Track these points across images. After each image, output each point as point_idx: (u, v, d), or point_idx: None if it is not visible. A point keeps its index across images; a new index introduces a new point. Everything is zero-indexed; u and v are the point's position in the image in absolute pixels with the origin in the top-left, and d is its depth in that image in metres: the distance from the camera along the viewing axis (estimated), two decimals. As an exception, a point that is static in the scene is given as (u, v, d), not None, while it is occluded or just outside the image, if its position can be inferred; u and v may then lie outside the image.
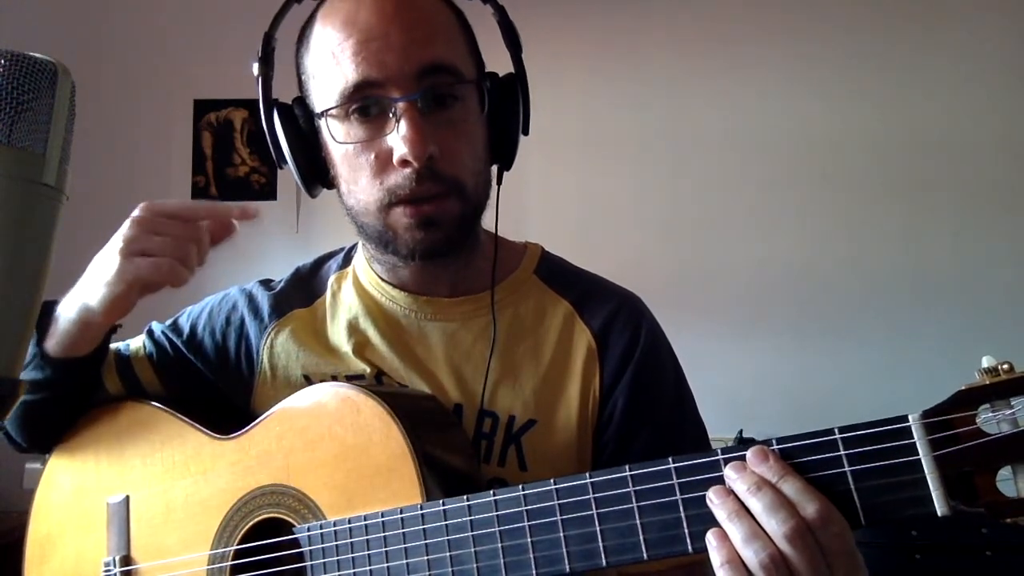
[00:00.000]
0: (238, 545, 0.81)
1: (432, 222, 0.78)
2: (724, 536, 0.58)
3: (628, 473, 0.62)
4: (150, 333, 0.98)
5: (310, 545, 0.75)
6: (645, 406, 0.84)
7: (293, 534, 0.77)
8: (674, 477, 0.61)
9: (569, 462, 0.83)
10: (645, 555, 0.61)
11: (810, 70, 2.47)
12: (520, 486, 0.66)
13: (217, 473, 0.84)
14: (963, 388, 0.55)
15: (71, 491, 0.93)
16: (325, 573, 0.74)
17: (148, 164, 2.60)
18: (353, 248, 0.98)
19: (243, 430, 0.84)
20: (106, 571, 0.87)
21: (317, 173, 0.84)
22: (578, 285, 0.91)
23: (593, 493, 0.63)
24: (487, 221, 0.90)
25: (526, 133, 0.86)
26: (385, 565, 0.71)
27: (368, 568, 0.72)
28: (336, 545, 0.74)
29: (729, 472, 0.59)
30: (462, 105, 0.80)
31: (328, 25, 0.79)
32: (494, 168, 0.87)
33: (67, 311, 0.81)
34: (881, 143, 2.41)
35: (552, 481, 0.65)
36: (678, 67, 2.53)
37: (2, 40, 2.11)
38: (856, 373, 2.32)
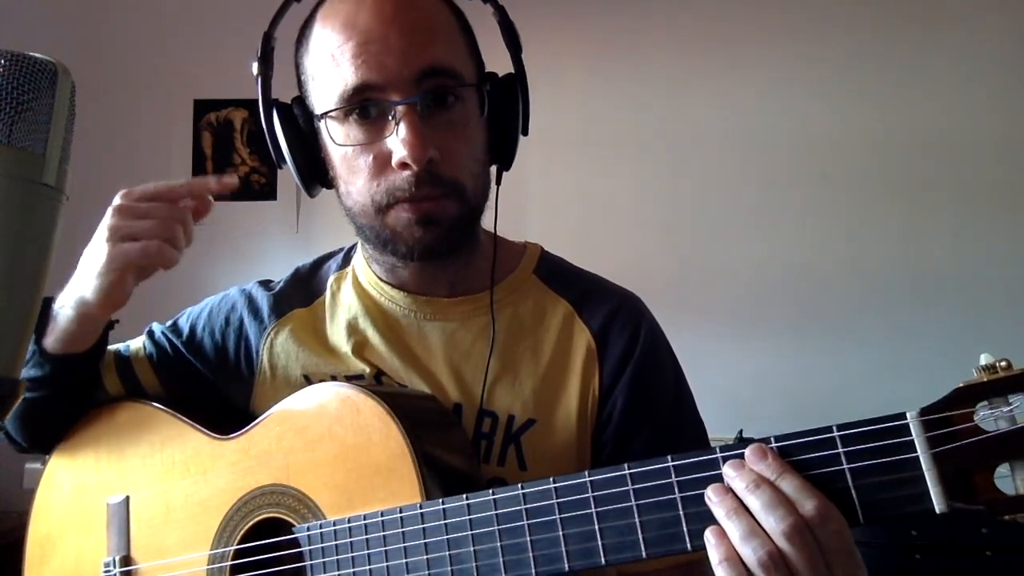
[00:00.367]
0: (238, 545, 0.81)
1: (431, 220, 0.78)
2: (722, 534, 0.58)
3: (627, 472, 0.62)
4: (150, 334, 0.98)
5: (310, 545, 0.75)
6: (644, 405, 0.84)
7: (293, 534, 0.77)
8: (673, 475, 0.61)
9: (569, 462, 0.83)
10: (644, 553, 0.61)
11: (810, 70, 2.46)
12: (519, 485, 0.66)
13: (217, 473, 0.84)
14: (961, 385, 0.55)
15: (71, 491, 0.93)
16: (325, 573, 0.74)
17: (148, 164, 2.60)
18: (352, 248, 0.98)
19: (243, 430, 0.84)
20: (106, 571, 0.87)
21: (316, 173, 0.84)
22: (577, 285, 0.91)
23: (592, 492, 0.63)
24: (487, 221, 0.90)
25: (525, 133, 0.86)
26: (385, 564, 0.71)
27: (368, 567, 0.72)
28: (336, 545, 0.74)
29: (727, 470, 0.59)
30: (462, 107, 0.80)
31: (328, 26, 0.78)
32: (493, 168, 0.87)
33: (64, 307, 0.81)
34: (881, 143, 2.40)
35: (551, 480, 0.65)
36: (678, 67, 2.53)
37: (2, 40, 2.11)
38: (856, 373, 2.32)
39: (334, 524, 0.74)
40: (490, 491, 0.67)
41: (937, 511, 0.54)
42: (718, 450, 0.61)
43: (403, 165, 0.76)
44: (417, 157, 0.74)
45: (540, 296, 0.90)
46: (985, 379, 0.54)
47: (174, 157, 2.62)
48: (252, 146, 2.63)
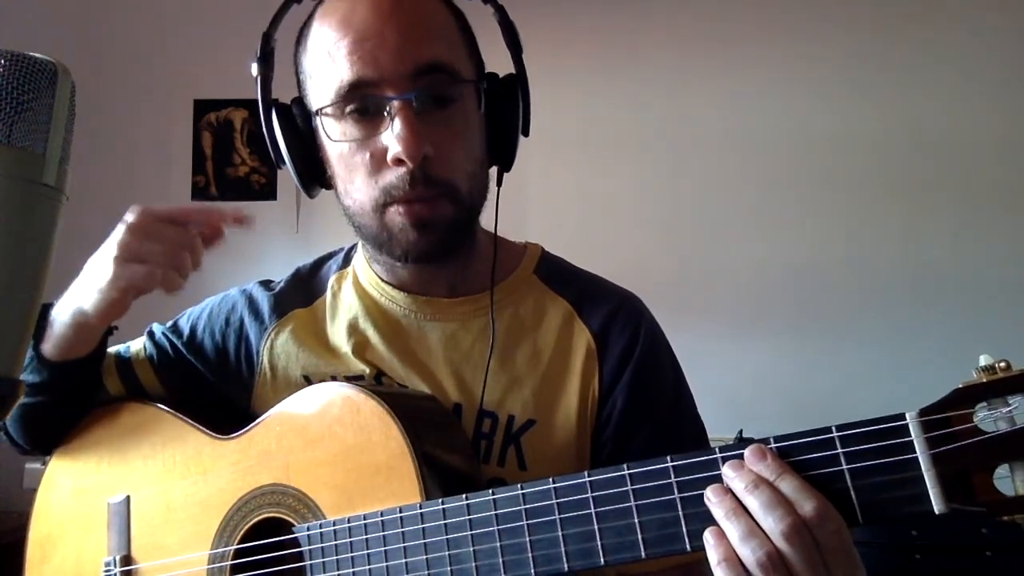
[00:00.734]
0: (238, 544, 0.81)
1: (426, 224, 0.78)
2: (721, 534, 0.58)
3: (626, 472, 0.62)
4: (151, 335, 0.98)
5: (310, 544, 0.75)
6: (644, 406, 0.84)
7: (293, 533, 0.77)
8: (672, 476, 0.61)
9: (568, 462, 0.83)
10: (643, 554, 0.61)
11: (810, 70, 2.46)
12: (519, 485, 0.66)
13: (217, 473, 0.84)
14: (960, 386, 0.55)
15: (72, 491, 0.93)
16: (325, 572, 0.74)
17: (148, 164, 2.60)
18: (353, 248, 0.98)
19: (243, 430, 0.85)
20: (106, 571, 0.87)
21: (315, 173, 0.84)
22: (577, 285, 0.91)
23: (591, 492, 0.63)
24: (487, 221, 0.90)
25: (526, 134, 0.86)
26: (384, 564, 0.71)
27: (367, 567, 0.72)
28: (335, 544, 0.74)
29: (727, 470, 0.59)
30: (459, 105, 0.79)
31: (325, 24, 0.79)
32: (494, 169, 0.87)
33: (62, 314, 0.81)
34: (881, 143, 2.40)
35: (551, 480, 0.65)
36: (678, 67, 2.53)
37: (2, 40, 2.11)
38: (856, 373, 2.32)
39: (334, 524, 0.74)
40: (490, 491, 0.67)
41: (936, 512, 0.54)
42: (717, 450, 0.61)
43: (398, 161, 0.75)
44: (412, 153, 0.74)
45: (540, 296, 0.90)
46: (984, 380, 0.54)
47: (174, 157, 2.62)
48: (252, 146, 2.63)
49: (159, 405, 0.92)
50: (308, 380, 0.88)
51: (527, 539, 0.65)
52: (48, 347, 0.83)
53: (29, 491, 0.95)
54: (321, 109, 0.78)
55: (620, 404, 0.84)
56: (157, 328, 0.99)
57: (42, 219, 0.49)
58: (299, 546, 0.77)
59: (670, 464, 0.61)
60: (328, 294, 0.94)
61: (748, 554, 0.56)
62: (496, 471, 0.83)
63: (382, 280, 0.90)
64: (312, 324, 0.92)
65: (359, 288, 0.92)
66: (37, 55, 0.49)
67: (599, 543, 0.62)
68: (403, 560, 0.70)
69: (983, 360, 0.55)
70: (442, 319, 0.88)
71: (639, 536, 0.61)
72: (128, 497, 0.89)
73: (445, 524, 0.68)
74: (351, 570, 0.73)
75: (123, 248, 0.76)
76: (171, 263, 0.77)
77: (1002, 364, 0.55)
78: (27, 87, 0.48)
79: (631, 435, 0.84)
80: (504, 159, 0.86)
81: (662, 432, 0.84)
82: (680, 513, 0.60)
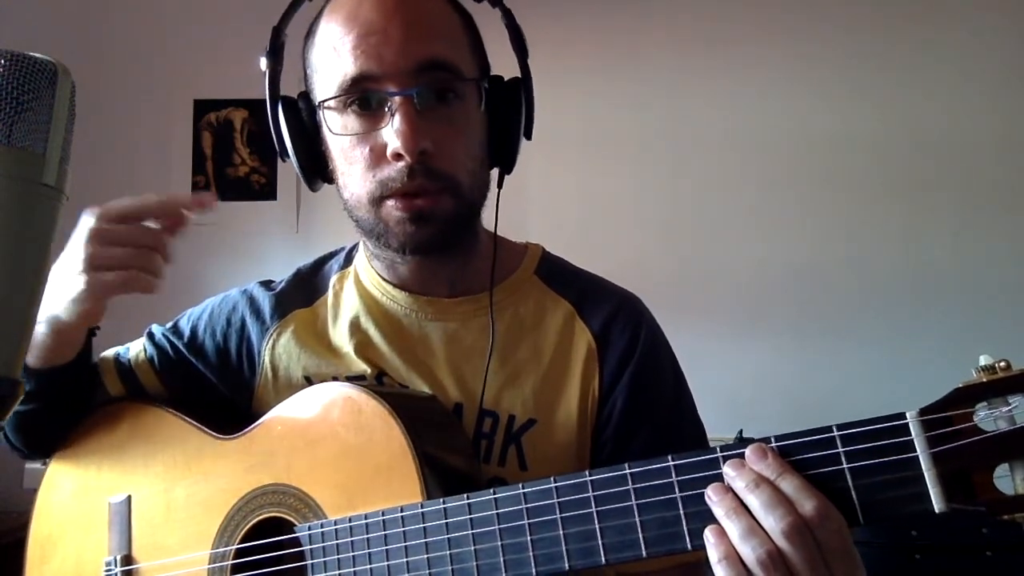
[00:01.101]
0: (239, 544, 0.81)
1: (424, 217, 0.78)
2: (722, 532, 0.58)
3: (627, 471, 0.63)
4: (150, 336, 0.98)
5: (311, 544, 0.76)
6: (644, 406, 0.84)
7: (294, 533, 0.77)
8: (673, 475, 0.61)
9: (569, 461, 0.83)
10: (644, 552, 0.61)
11: (810, 70, 2.46)
12: (520, 485, 0.66)
13: (219, 473, 0.84)
14: (960, 386, 0.55)
15: (73, 491, 0.93)
16: (326, 572, 0.74)
17: (148, 164, 2.60)
18: (354, 248, 0.98)
19: (245, 430, 0.85)
20: (107, 571, 0.87)
21: (317, 166, 0.85)
22: (578, 285, 0.91)
23: (592, 491, 0.63)
24: (488, 221, 0.90)
25: (528, 137, 0.87)
26: (385, 564, 0.71)
27: (368, 567, 0.72)
28: (336, 544, 0.74)
29: (728, 469, 0.59)
30: (461, 103, 0.80)
31: (332, 20, 0.80)
32: (495, 171, 0.87)
33: (39, 324, 0.80)
34: (881, 143, 2.40)
35: (552, 479, 0.65)
36: (678, 67, 2.53)
37: (2, 40, 2.11)
38: (856, 373, 2.32)
39: (335, 523, 0.74)
40: (491, 490, 0.67)
41: (937, 511, 0.54)
42: (718, 449, 0.61)
43: (397, 155, 0.76)
44: (410, 147, 0.75)
45: (541, 296, 0.90)
46: (984, 379, 0.55)
47: (174, 157, 2.62)
48: (252, 146, 2.63)
49: (160, 405, 0.92)
50: (309, 380, 0.88)
51: (528, 538, 0.65)
52: (31, 357, 0.83)
53: (29, 491, 0.95)
54: (324, 102, 0.79)
55: (620, 404, 0.84)
56: (157, 329, 0.99)
57: (42, 219, 0.49)
58: (300, 546, 0.77)
59: (671, 463, 0.61)
60: (330, 294, 0.94)
61: (748, 552, 0.56)
62: (497, 471, 0.83)
63: (383, 279, 0.90)
64: (313, 324, 0.92)
65: (360, 287, 0.92)
66: (37, 55, 0.49)
67: (600, 542, 0.62)
68: (404, 559, 0.70)
69: (983, 360, 0.55)
70: (443, 319, 0.88)
71: (640, 535, 0.61)
72: (129, 497, 0.89)
73: (446, 523, 0.68)
74: (352, 569, 0.73)
75: (89, 257, 0.75)
76: (140, 265, 0.76)
77: (1002, 364, 0.55)
78: (27, 87, 0.48)
79: (631, 435, 0.84)
80: (505, 161, 0.87)
81: (662, 432, 0.84)
82: (681, 512, 0.61)
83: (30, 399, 0.85)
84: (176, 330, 0.97)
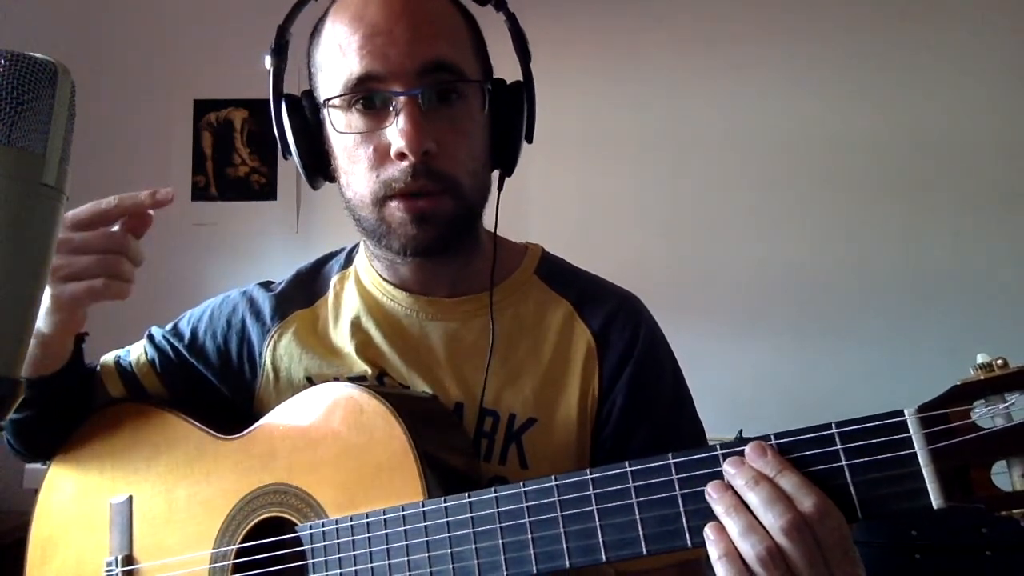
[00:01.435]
0: (240, 544, 0.81)
1: (426, 218, 0.79)
2: (722, 529, 0.58)
3: (628, 469, 0.63)
4: (151, 338, 0.98)
5: (312, 543, 0.76)
6: (643, 405, 0.85)
7: (295, 533, 0.77)
8: (673, 472, 0.62)
9: (569, 460, 0.83)
10: (644, 550, 0.61)
11: (810, 70, 2.46)
12: (521, 483, 0.67)
13: (220, 473, 0.84)
14: (958, 383, 0.56)
15: (74, 492, 0.93)
16: (327, 571, 0.74)
17: (148, 164, 2.60)
18: (354, 248, 0.98)
19: (246, 430, 0.85)
20: (108, 571, 0.88)
21: (319, 165, 0.85)
22: (578, 285, 0.92)
23: (593, 489, 0.64)
24: (488, 222, 0.90)
25: (530, 141, 0.88)
26: (386, 563, 0.71)
27: (369, 566, 0.72)
28: (338, 543, 0.74)
29: (727, 467, 0.60)
30: (464, 104, 0.80)
31: (338, 20, 0.80)
32: (495, 173, 0.88)
33: None
34: (881, 143, 2.40)
35: (552, 478, 0.65)
36: (678, 67, 2.53)
37: (2, 40, 2.11)
38: (856, 373, 2.32)
39: (336, 523, 0.74)
40: (492, 489, 0.67)
41: (935, 507, 0.54)
42: (718, 447, 0.61)
43: (400, 155, 0.77)
44: (414, 147, 0.75)
45: (541, 296, 0.90)
46: (982, 377, 0.55)
47: (174, 157, 2.62)
48: (252, 146, 2.63)
49: (161, 406, 0.92)
50: (311, 381, 0.88)
51: (529, 536, 0.65)
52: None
53: (29, 491, 0.95)
54: (329, 100, 0.80)
55: (620, 403, 0.84)
56: (157, 331, 0.99)
57: (42, 219, 0.49)
58: (301, 545, 0.77)
59: (671, 461, 0.62)
60: (330, 294, 0.94)
61: (748, 549, 0.56)
62: (497, 469, 0.84)
63: (384, 279, 0.90)
64: (314, 325, 0.93)
65: (361, 287, 0.92)
66: (37, 55, 0.49)
67: (601, 540, 0.63)
68: (405, 558, 0.70)
69: (980, 358, 0.56)
70: (444, 318, 0.88)
71: (640, 533, 0.61)
72: (130, 497, 0.89)
73: (447, 522, 0.69)
74: (353, 569, 0.73)
75: (55, 269, 0.75)
76: (107, 272, 0.76)
77: (999, 361, 0.55)
78: (27, 87, 0.48)
79: (630, 434, 0.84)
80: (506, 163, 0.87)
81: (661, 431, 0.84)
82: (681, 509, 0.61)
83: (26, 407, 0.85)
84: (176, 332, 0.97)
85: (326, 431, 0.78)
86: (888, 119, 2.41)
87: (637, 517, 0.62)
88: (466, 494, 0.68)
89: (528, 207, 2.37)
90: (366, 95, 0.78)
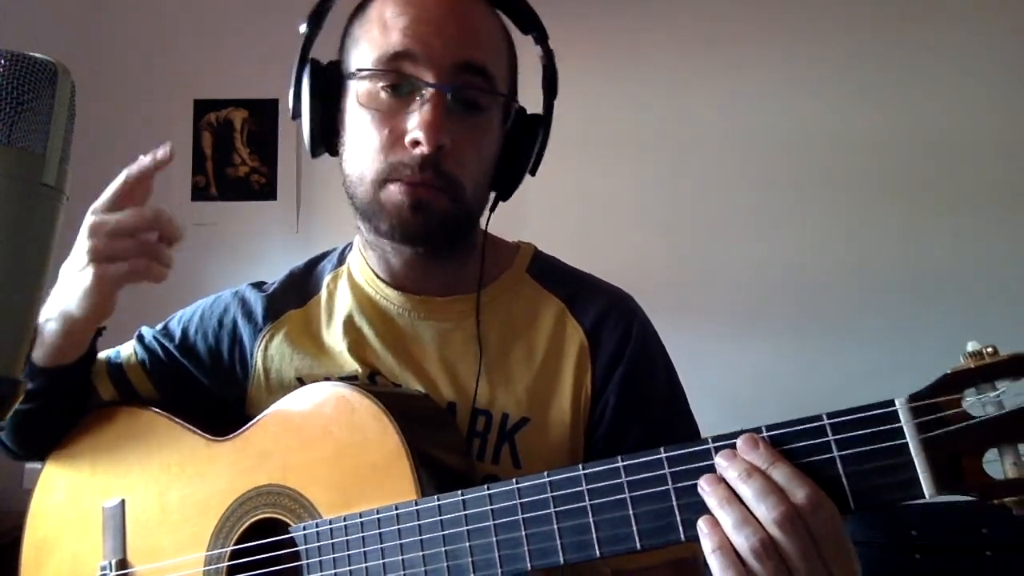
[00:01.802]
0: (234, 546, 0.81)
1: (423, 207, 0.79)
2: (715, 523, 0.58)
3: (620, 464, 0.63)
4: (140, 338, 0.98)
5: (306, 544, 0.75)
6: (637, 403, 0.84)
7: (289, 533, 0.77)
8: (666, 467, 0.61)
9: (562, 459, 0.83)
10: (638, 545, 0.61)
11: (810, 70, 2.46)
12: (514, 480, 0.66)
13: (213, 475, 0.84)
14: (949, 372, 0.56)
15: (67, 496, 0.92)
16: (321, 571, 0.74)
17: (148, 164, 2.60)
18: (347, 248, 0.98)
19: (239, 431, 0.85)
20: (102, 574, 0.87)
21: (325, 134, 0.85)
22: (570, 283, 0.92)
23: (586, 485, 0.64)
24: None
25: (533, 174, 0.89)
26: (381, 562, 0.71)
27: (364, 565, 0.72)
28: (332, 543, 0.74)
29: (719, 460, 0.60)
30: (486, 116, 0.82)
31: (389, 2, 0.81)
32: (492, 194, 0.88)
33: (49, 321, 0.81)
34: (881, 143, 2.40)
35: (545, 474, 0.65)
36: (678, 67, 2.53)
37: (2, 40, 2.11)
38: (856, 373, 2.32)
39: (330, 523, 0.74)
40: (485, 486, 0.67)
41: (927, 496, 0.54)
42: (710, 441, 0.61)
43: (415, 143, 0.77)
44: (431, 139, 0.76)
45: (533, 294, 0.90)
46: (972, 365, 0.55)
47: (174, 157, 2.62)
48: (252, 146, 2.63)
49: (153, 408, 0.92)
50: (301, 381, 0.88)
51: (523, 533, 0.65)
52: (39, 354, 0.83)
53: (28, 491, 0.95)
54: (361, 70, 0.80)
55: (613, 401, 0.84)
56: (147, 332, 0.98)
57: (42, 219, 0.49)
58: (295, 546, 0.77)
59: (663, 455, 0.62)
60: (323, 293, 0.94)
61: (742, 542, 0.56)
62: (490, 469, 0.83)
63: (377, 277, 0.90)
64: (306, 325, 0.92)
65: (354, 284, 0.92)
66: (37, 55, 0.49)
67: (594, 535, 0.63)
68: (400, 557, 0.70)
69: (971, 346, 0.55)
70: (436, 318, 0.88)
71: (634, 527, 0.61)
72: (123, 501, 0.89)
73: (441, 520, 0.69)
74: (347, 568, 0.73)
75: (92, 249, 0.75)
76: (148, 253, 0.76)
77: (989, 350, 0.55)
78: (27, 87, 0.48)
79: (624, 432, 0.84)
80: (505, 188, 0.88)
81: (655, 429, 0.84)
82: (674, 503, 0.61)
83: (33, 398, 0.85)
84: (167, 332, 0.97)
85: (319, 431, 0.78)
86: (888, 119, 2.41)
87: (630, 512, 0.62)
88: (459, 492, 0.68)
89: (527, 207, 2.36)
90: (398, 78, 0.78)
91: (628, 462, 0.63)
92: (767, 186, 2.46)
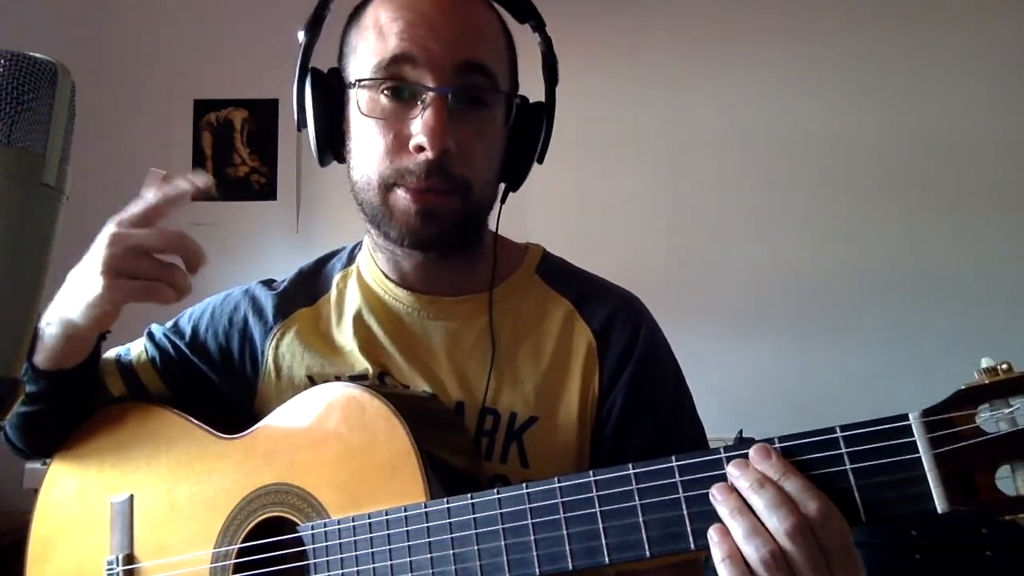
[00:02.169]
0: (241, 544, 0.81)
1: (431, 213, 0.79)
2: (725, 531, 0.58)
3: (631, 471, 0.63)
4: (150, 336, 0.98)
5: (313, 544, 0.75)
6: (643, 404, 0.85)
7: (296, 532, 0.77)
8: (677, 475, 0.61)
9: (570, 459, 0.84)
10: (648, 552, 0.61)
11: (810, 70, 2.46)
12: (523, 484, 0.67)
13: (222, 472, 0.84)
14: (963, 387, 0.56)
15: (75, 490, 0.93)
16: (328, 571, 0.74)
17: (148, 164, 2.59)
18: (356, 247, 0.98)
19: (248, 430, 0.85)
20: (109, 569, 0.87)
21: (332, 142, 0.85)
22: (578, 284, 0.92)
23: (596, 491, 0.64)
24: (491, 226, 0.91)
25: (540, 161, 0.89)
26: (388, 563, 0.71)
27: (371, 566, 0.72)
28: (339, 544, 0.74)
29: (732, 469, 0.60)
30: (489, 112, 0.81)
31: (383, 7, 0.80)
32: (501, 185, 0.89)
33: (51, 325, 0.80)
34: (881, 143, 2.40)
35: (556, 479, 0.65)
36: (678, 67, 2.53)
37: (2, 40, 2.10)
38: (856, 373, 2.32)
39: (338, 523, 0.74)
40: (495, 490, 0.67)
41: (939, 511, 0.54)
42: (722, 450, 0.61)
43: (419, 148, 0.77)
44: (435, 145, 0.76)
45: (542, 295, 0.90)
46: (987, 381, 0.55)
47: (174, 157, 2.62)
48: (252, 146, 2.63)
49: (163, 405, 0.92)
50: (312, 380, 0.88)
51: (532, 538, 0.65)
52: (40, 358, 0.82)
53: (29, 491, 0.95)
54: (360, 80, 0.79)
55: (620, 402, 0.84)
56: (157, 329, 0.98)
57: (42, 219, 0.49)
58: (302, 545, 0.77)
59: (675, 463, 0.62)
60: (333, 292, 0.94)
61: (752, 552, 0.56)
62: (498, 468, 0.84)
63: (386, 277, 0.90)
64: (316, 323, 0.93)
65: (363, 284, 0.93)
66: (37, 55, 0.49)
67: (604, 542, 0.63)
68: (407, 559, 0.70)
69: (985, 362, 0.56)
70: (445, 318, 0.89)
71: (644, 535, 0.61)
72: (131, 496, 0.89)
73: (450, 523, 0.68)
74: (355, 569, 0.73)
75: (109, 259, 0.74)
76: (166, 277, 0.75)
77: (1003, 366, 0.55)
78: (27, 87, 0.48)
79: (630, 433, 0.84)
80: (514, 179, 0.88)
81: (661, 431, 0.84)
82: (685, 512, 0.61)
83: (35, 400, 0.85)
84: (177, 330, 0.97)
85: (328, 431, 0.78)
86: (888, 119, 2.41)
87: (641, 519, 0.62)
88: (468, 495, 0.68)
89: (528, 207, 2.37)
90: (397, 84, 0.78)
91: (639, 469, 0.63)
92: (767, 186, 2.46)
